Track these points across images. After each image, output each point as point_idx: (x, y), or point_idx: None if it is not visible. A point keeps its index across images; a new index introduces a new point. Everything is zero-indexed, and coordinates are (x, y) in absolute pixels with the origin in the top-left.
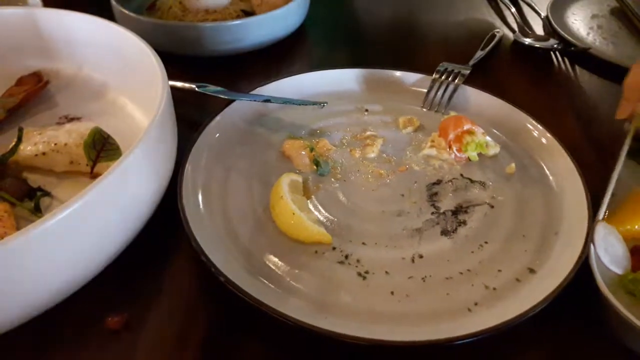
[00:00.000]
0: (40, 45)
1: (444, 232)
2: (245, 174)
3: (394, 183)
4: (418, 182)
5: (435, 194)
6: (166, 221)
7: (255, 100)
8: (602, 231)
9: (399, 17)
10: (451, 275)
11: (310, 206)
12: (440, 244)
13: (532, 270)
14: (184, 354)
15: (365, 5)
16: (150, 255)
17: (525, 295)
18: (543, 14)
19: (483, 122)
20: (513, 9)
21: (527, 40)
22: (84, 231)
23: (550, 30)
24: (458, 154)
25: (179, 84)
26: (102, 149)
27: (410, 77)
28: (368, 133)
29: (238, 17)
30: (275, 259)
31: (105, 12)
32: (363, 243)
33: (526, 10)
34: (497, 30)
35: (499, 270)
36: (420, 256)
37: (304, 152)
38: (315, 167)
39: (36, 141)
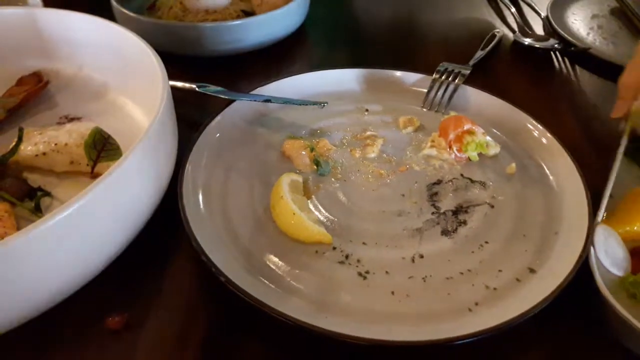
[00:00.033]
0: (41, 45)
1: (445, 232)
2: (246, 174)
3: (394, 183)
4: (418, 182)
5: (436, 194)
6: (166, 221)
7: (255, 100)
8: (602, 234)
9: (399, 17)
10: (452, 275)
11: (311, 206)
12: (441, 244)
13: (532, 270)
14: (184, 354)
15: (365, 5)
16: (150, 255)
17: (526, 295)
18: (543, 14)
19: (483, 122)
20: (513, 9)
21: (527, 40)
22: (84, 231)
23: (550, 30)
24: (458, 154)
25: (179, 84)
26: (102, 149)
27: (410, 77)
28: (368, 133)
29: (238, 17)
30: (276, 259)
31: (105, 12)
32: (363, 243)
33: (526, 10)
34: (497, 30)
35: (500, 270)
36: (421, 256)
37: (304, 152)
38: (315, 167)
39: (36, 141)
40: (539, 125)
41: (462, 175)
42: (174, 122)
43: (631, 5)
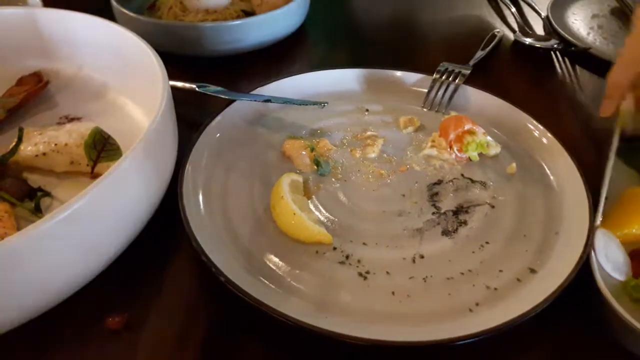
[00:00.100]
0: (40, 46)
1: (445, 232)
2: (246, 174)
3: (395, 183)
4: (419, 182)
5: (436, 194)
6: (166, 221)
7: (255, 100)
8: (602, 238)
9: (399, 17)
10: (452, 275)
11: (311, 206)
12: (441, 244)
13: (533, 270)
14: (184, 354)
15: (365, 5)
16: (150, 255)
17: (526, 296)
18: (543, 14)
19: (484, 122)
20: (513, 9)
21: (528, 40)
22: (84, 231)
23: (550, 30)
24: (459, 154)
25: (179, 84)
26: (102, 149)
27: (410, 77)
28: (368, 133)
29: (238, 17)
30: (276, 259)
31: (105, 12)
32: (364, 243)
33: (526, 10)
34: (498, 30)
35: (500, 271)
36: (421, 256)
37: (304, 152)
38: (315, 167)
39: (36, 141)
40: (539, 125)
41: (462, 175)
42: (174, 122)
43: (631, 5)
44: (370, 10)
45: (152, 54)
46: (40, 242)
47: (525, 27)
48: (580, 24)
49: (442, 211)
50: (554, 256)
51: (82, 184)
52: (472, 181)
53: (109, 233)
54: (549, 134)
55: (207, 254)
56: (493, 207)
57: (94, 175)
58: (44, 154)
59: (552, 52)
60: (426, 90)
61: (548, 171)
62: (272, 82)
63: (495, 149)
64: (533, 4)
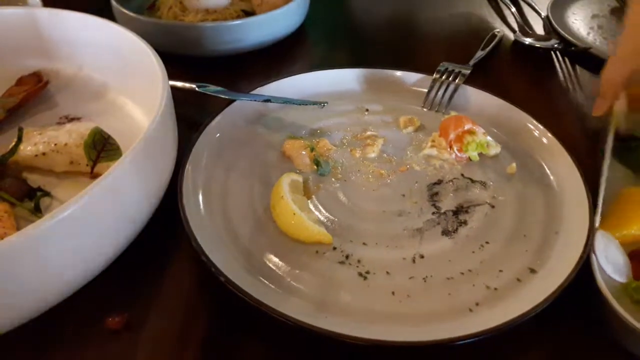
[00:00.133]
0: (40, 46)
1: (445, 232)
2: (246, 174)
3: (395, 183)
4: (419, 182)
5: (436, 193)
6: (166, 221)
7: (255, 100)
8: (602, 240)
9: (399, 16)
10: (452, 275)
11: (311, 206)
12: (441, 244)
13: (533, 270)
14: (184, 354)
15: (365, 5)
16: (150, 255)
17: (526, 296)
18: (543, 14)
19: (484, 121)
20: (513, 9)
21: (528, 40)
22: (83, 231)
23: (550, 30)
24: (459, 154)
25: (179, 84)
26: (102, 149)
27: (410, 77)
28: (368, 133)
29: (238, 17)
30: (276, 259)
31: (105, 12)
32: (364, 243)
33: (526, 10)
34: (498, 30)
35: (500, 270)
36: (421, 256)
37: (304, 152)
38: (315, 167)
39: (36, 141)
40: (539, 125)
41: (462, 175)
42: (174, 122)
43: None
44: (370, 10)
45: (152, 54)
46: (40, 242)
47: (525, 27)
48: (580, 23)
49: (442, 211)
50: (554, 256)
51: (82, 184)
52: (472, 181)
53: (108, 233)
54: (549, 134)
55: (207, 254)
56: (493, 207)
57: (94, 175)
58: (44, 153)
59: (552, 52)
60: (426, 90)
61: (548, 171)
62: (272, 82)
63: (495, 149)
64: (533, 4)
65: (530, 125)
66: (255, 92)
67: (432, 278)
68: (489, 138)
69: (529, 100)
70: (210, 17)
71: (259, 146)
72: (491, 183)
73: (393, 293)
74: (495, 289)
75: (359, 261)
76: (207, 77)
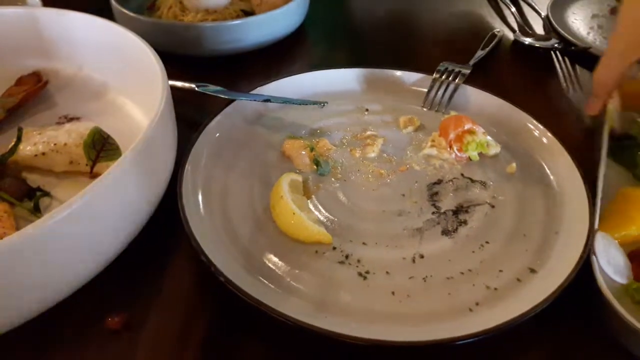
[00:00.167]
0: (40, 45)
1: (445, 232)
2: (246, 174)
3: (395, 183)
4: (419, 181)
5: (436, 193)
6: (166, 221)
7: (255, 100)
8: (602, 242)
9: (399, 16)
10: (452, 275)
11: (311, 206)
12: (441, 243)
13: (533, 270)
14: (184, 354)
15: (365, 4)
16: (150, 255)
17: (526, 295)
18: (543, 14)
19: (483, 121)
20: (513, 9)
21: (528, 40)
22: (83, 231)
23: (550, 29)
24: (459, 154)
25: (178, 83)
26: (101, 148)
27: (410, 77)
28: (368, 133)
29: (238, 17)
30: (275, 259)
31: (104, 11)
32: (363, 243)
33: (526, 9)
34: (498, 29)
35: (500, 270)
36: (421, 256)
37: (304, 152)
38: (315, 166)
39: (36, 141)
40: (539, 125)
41: (462, 175)
42: (174, 121)
43: None
44: (370, 10)
45: (152, 54)
46: (39, 242)
47: (525, 26)
48: (580, 23)
49: (442, 211)
50: (554, 256)
51: (82, 183)
52: (472, 181)
53: (108, 233)
54: (549, 134)
55: (207, 254)
56: (493, 206)
57: (93, 175)
58: (43, 153)
59: (552, 52)
60: (426, 90)
61: (548, 171)
62: (271, 81)
63: (495, 149)
64: (533, 4)
65: (530, 125)
66: (254, 92)
67: (432, 278)
68: (488, 138)
69: (528, 100)
70: (210, 17)
71: (258, 146)
72: (491, 183)
73: (393, 293)
74: (495, 288)
75: (358, 261)
76: (206, 76)
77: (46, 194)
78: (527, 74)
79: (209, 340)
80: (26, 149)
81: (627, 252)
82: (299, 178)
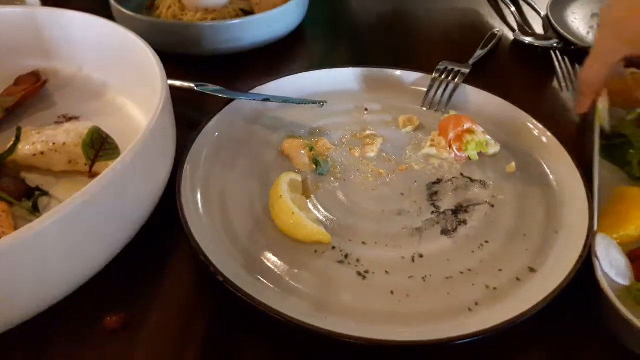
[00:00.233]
0: (39, 45)
1: (444, 232)
2: (245, 174)
3: (394, 182)
4: (418, 181)
5: (436, 193)
6: (165, 221)
7: (254, 100)
8: (603, 244)
9: (399, 16)
10: (451, 274)
11: (310, 205)
12: (441, 243)
13: (532, 270)
14: (184, 354)
15: (364, 4)
16: (149, 255)
17: (526, 295)
18: (543, 13)
19: (483, 121)
20: (513, 8)
21: (527, 39)
22: (82, 231)
23: (550, 29)
24: (458, 153)
25: (178, 83)
26: (100, 148)
27: (410, 76)
28: (368, 132)
29: (237, 16)
30: (275, 259)
31: (104, 11)
32: (363, 242)
33: (526, 9)
34: (497, 29)
35: (500, 270)
36: (421, 256)
37: (303, 152)
38: (314, 166)
39: (34, 141)
40: (538, 124)
41: (462, 174)
42: (173, 121)
43: None
44: (369, 9)
45: (151, 53)
46: (38, 242)
47: (524, 26)
48: (579, 23)
49: (442, 210)
50: (553, 255)
51: (80, 183)
52: (472, 180)
53: (107, 232)
54: (549, 133)
55: (206, 254)
56: (492, 206)
57: (92, 175)
58: (42, 153)
59: (551, 51)
60: (425, 89)
61: (547, 170)
62: (271, 81)
63: (494, 148)
64: (532, 3)
65: (529, 124)
66: (254, 91)
67: (431, 277)
68: (488, 137)
69: (528, 100)
70: (209, 16)
71: (257, 145)
72: (491, 182)
73: (392, 292)
74: (495, 288)
75: (358, 260)
76: (206, 76)
77: (45, 193)
78: (526, 73)
79: (208, 340)
80: (25, 148)
81: (627, 252)
82: (298, 177)
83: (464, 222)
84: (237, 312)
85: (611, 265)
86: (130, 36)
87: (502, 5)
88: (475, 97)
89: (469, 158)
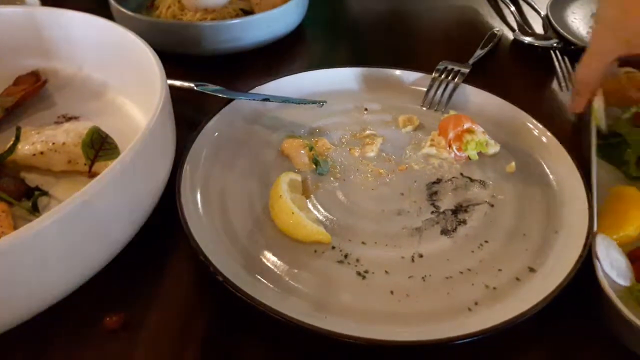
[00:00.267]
0: (38, 45)
1: (444, 231)
2: (244, 173)
3: (394, 182)
4: (418, 181)
5: (435, 193)
6: (165, 221)
7: (254, 99)
8: (603, 244)
9: (399, 16)
10: (451, 274)
11: (310, 205)
12: (440, 243)
13: (532, 270)
14: (183, 354)
15: (364, 3)
16: (148, 255)
17: (526, 295)
18: (543, 13)
19: (483, 120)
20: (513, 8)
21: (527, 39)
22: (81, 231)
23: (550, 29)
24: (458, 153)
25: (177, 83)
26: (100, 148)
27: (409, 76)
28: (367, 132)
29: (237, 16)
30: (274, 259)
31: (103, 11)
32: (362, 242)
33: (526, 9)
34: (497, 29)
35: (499, 270)
36: (420, 255)
37: (303, 151)
38: (314, 166)
39: (34, 140)
40: (538, 124)
41: (461, 174)
42: (172, 121)
43: None
44: (369, 9)
45: (151, 53)
46: (38, 242)
47: (524, 26)
48: (579, 22)
49: (441, 210)
50: (553, 255)
51: (80, 183)
52: (471, 180)
53: (106, 232)
54: (548, 133)
55: (205, 254)
56: (492, 206)
57: (92, 175)
58: (42, 153)
59: (551, 51)
60: (425, 89)
61: (547, 170)
62: (270, 81)
63: (494, 148)
64: (532, 3)
65: (529, 124)
66: (253, 91)
67: (431, 277)
68: (488, 137)
69: (528, 99)
70: (209, 16)
71: (257, 145)
72: (490, 182)
73: (392, 292)
74: (495, 288)
75: (357, 260)
76: (205, 76)
77: (44, 193)
78: (526, 73)
79: (208, 340)
80: (24, 148)
81: (626, 253)
82: (298, 177)
83: (464, 222)
84: (237, 312)
85: (612, 266)
86: (129, 36)
87: (502, 5)
88: (475, 96)
89: (468, 158)
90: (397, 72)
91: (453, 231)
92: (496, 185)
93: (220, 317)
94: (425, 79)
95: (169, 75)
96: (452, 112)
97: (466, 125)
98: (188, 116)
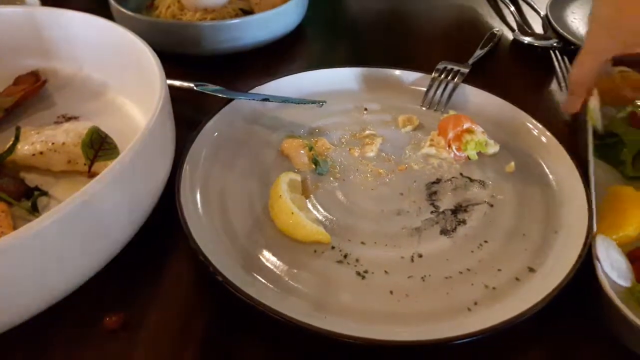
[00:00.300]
0: (38, 45)
1: (444, 231)
2: (244, 173)
3: (393, 182)
4: (417, 181)
5: (435, 192)
6: (164, 221)
7: (253, 99)
8: (603, 245)
9: (398, 15)
10: (451, 274)
11: (309, 205)
12: (440, 243)
13: (532, 270)
14: (183, 354)
15: (364, 3)
16: (148, 255)
17: (525, 295)
18: (542, 13)
19: (482, 120)
20: (512, 8)
21: (527, 39)
22: (81, 231)
23: (549, 28)
24: (457, 153)
25: (177, 83)
26: (100, 148)
27: (409, 76)
28: (367, 132)
29: (237, 15)
30: (274, 259)
31: (103, 11)
32: (362, 242)
33: (525, 9)
34: (497, 29)
35: (499, 270)
36: (420, 255)
37: (302, 151)
38: (314, 166)
39: (34, 140)
40: (538, 124)
41: (461, 174)
42: (172, 121)
43: None
44: (368, 9)
45: (150, 53)
46: (37, 242)
47: (524, 26)
48: (579, 22)
49: (441, 210)
50: (553, 255)
51: (80, 183)
52: (471, 180)
53: (106, 232)
54: (548, 133)
55: (205, 254)
56: (492, 206)
57: (91, 175)
58: (41, 153)
59: (551, 51)
60: (425, 89)
61: (547, 170)
62: (270, 81)
63: (494, 148)
64: (532, 3)
65: (529, 124)
66: (253, 91)
67: (430, 277)
68: (487, 137)
69: (527, 99)
70: (209, 15)
71: (257, 145)
72: (490, 182)
73: (391, 292)
74: (494, 288)
75: (357, 260)
76: (205, 76)
77: (44, 193)
78: (526, 73)
79: (207, 340)
80: (24, 148)
81: (626, 253)
82: (298, 177)
83: (463, 221)
84: (237, 312)
85: (612, 267)
86: (129, 36)
87: (502, 5)
88: (475, 96)
89: (468, 158)
90: (397, 72)
91: (452, 231)
92: (496, 185)
93: (220, 317)
94: (424, 79)
95: (169, 75)
96: (451, 112)
97: (466, 125)
98: (188, 116)
